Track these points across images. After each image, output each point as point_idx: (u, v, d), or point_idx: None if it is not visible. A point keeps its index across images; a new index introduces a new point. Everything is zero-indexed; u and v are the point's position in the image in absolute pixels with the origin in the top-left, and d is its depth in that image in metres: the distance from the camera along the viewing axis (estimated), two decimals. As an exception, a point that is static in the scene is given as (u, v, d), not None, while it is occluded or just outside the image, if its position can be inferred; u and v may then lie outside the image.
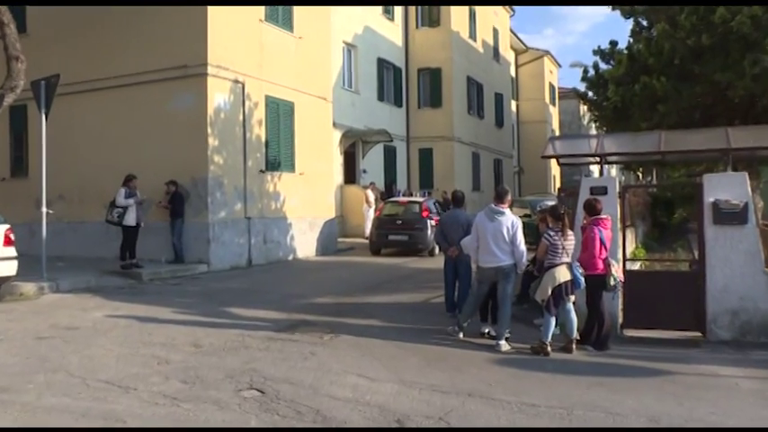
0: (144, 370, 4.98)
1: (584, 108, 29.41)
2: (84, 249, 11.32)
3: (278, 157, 13.07)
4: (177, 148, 11.19)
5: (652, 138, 7.42)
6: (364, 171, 20.11)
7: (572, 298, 5.96)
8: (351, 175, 19.93)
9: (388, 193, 19.17)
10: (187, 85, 11.03)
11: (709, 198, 6.12)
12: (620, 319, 6.55)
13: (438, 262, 10.71)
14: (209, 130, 11.10)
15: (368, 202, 17.49)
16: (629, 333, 6.47)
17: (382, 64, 21.12)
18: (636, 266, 9.74)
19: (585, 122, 30.69)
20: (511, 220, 5.94)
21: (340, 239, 16.63)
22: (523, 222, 6.69)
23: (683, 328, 6.37)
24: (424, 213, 14.31)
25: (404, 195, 17.94)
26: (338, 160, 18.56)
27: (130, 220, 9.95)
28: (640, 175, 25.82)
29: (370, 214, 17.07)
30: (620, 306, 6.56)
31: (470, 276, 6.93)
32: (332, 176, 15.40)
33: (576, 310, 6.03)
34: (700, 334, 6.29)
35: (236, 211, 11.79)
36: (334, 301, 8.24)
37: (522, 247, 5.96)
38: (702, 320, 6.26)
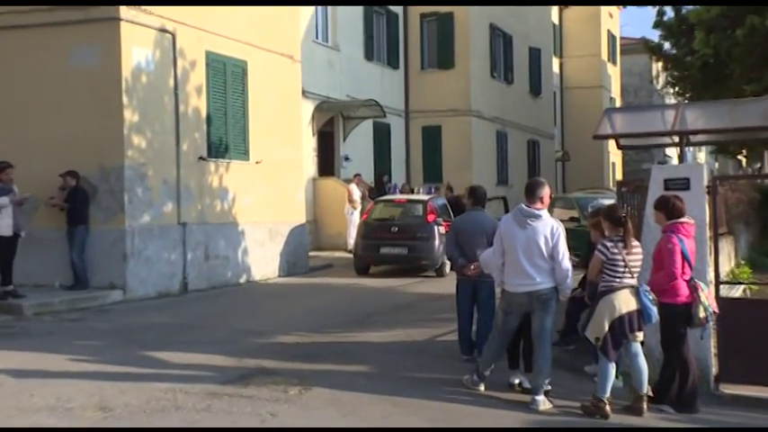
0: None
1: (657, 66, 29.34)
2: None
3: (225, 139, 13.13)
4: (78, 124, 10.98)
5: (760, 106, 7.38)
6: (346, 158, 20.29)
7: (640, 336, 5.90)
8: (328, 164, 20.08)
9: (379, 188, 19.31)
10: (91, 34, 10.77)
11: None
12: (714, 369, 6.35)
13: (449, 285, 10.75)
14: (124, 100, 11.00)
15: (351, 201, 17.59)
16: (727, 389, 6.25)
17: (371, 8, 21.24)
18: (736, 292, 9.68)
19: (659, 87, 30.72)
20: (550, 227, 5.92)
21: (313, 253, 16.82)
22: (569, 229, 6.73)
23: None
24: (430, 217, 14.42)
25: (401, 192, 18.02)
26: (310, 143, 18.72)
27: (2, 227, 9.33)
28: (743, 161, 25.23)
29: (355, 218, 17.23)
30: (714, 349, 6.38)
31: (494, 305, 6.99)
32: (301, 166, 15.52)
33: (646, 354, 5.96)
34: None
35: (166, 215, 11.81)
36: (305, 340, 8.40)
37: (567, 263, 5.92)
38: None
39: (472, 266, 7.10)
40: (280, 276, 14.17)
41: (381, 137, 22.04)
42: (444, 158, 23.32)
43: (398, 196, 16.20)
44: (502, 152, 25.61)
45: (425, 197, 15.39)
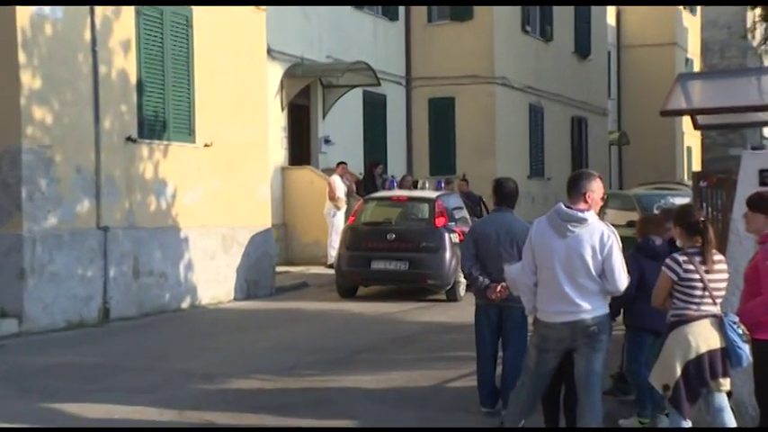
0: None
1: (754, 14, 28.89)
2: None
3: (162, 114, 13.18)
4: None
5: None
6: (327, 141, 20.42)
7: (726, 384, 5.87)
8: (302, 148, 20.18)
9: (370, 182, 19.34)
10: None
11: None
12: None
13: (465, 312, 10.68)
14: (21, 58, 11.05)
15: (334, 198, 17.69)
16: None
17: (361, -62, 21.79)
18: None
19: (756, 43, 30.35)
20: (600, 234, 5.86)
21: (281, 269, 16.88)
22: (626, 238, 6.61)
23: None
24: (440, 220, 14.52)
25: (400, 187, 18.01)
26: (278, 121, 18.85)
27: None
28: None
29: (339, 221, 17.31)
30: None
31: (525, 340, 7.07)
32: (265, 151, 15.62)
33: (734, 409, 5.98)
34: None
35: (80, 216, 11.83)
36: (270, 386, 8.48)
37: (624, 280, 5.94)
38: None
39: (498, 287, 7.15)
40: (236, 300, 14.20)
41: (374, 112, 22.09)
42: (459, 142, 23.39)
43: (397, 192, 16.21)
44: (536, 134, 25.73)
45: (433, 194, 15.43)
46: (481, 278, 7.28)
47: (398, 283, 14.69)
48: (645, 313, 6.62)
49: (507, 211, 7.41)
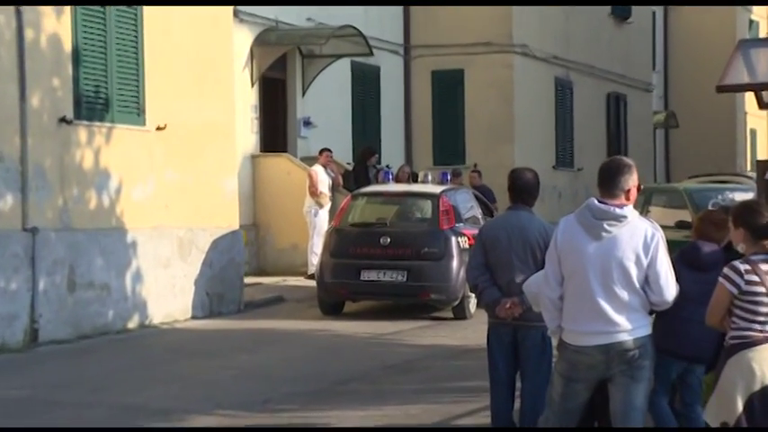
0: None
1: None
2: None
3: (105, 90, 13.19)
4: None
5: None
6: (307, 123, 20.42)
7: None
8: (277, 132, 20.24)
9: (361, 173, 19.38)
10: None
11: None
12: None
13: (476, 333, 10.74)
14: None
15: (315, 193, 17.72)
16: None
17: None
18: None
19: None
20: (643, 234, 5.82)
21: (252, 280, 16.92)
22: (673, 242, 6.64)
23: None
24: (445, 220, 14.59)
25: (397, 180, 17.98)
26: (247, 99, 18.86)
27: None
28: None
29: (322, 221, 17.38)
30: None
31: (549, 366, 7.15)
32: (232, 135, 15.64)
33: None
34: None
35: (2, 215, 11.82)
36: (237, 423, 8.51)
37: (673, 289, 5.93)
38: None
39: (508, 303, 7.15)
40: (195, 318, 14.23)
41: (366, 88, 22.09)
42: (469, 124, 23.43)
43: (392, 187, 16.23)
44: (564, 114, 25.78)
45: (436, 188, 15.41)
46: (488, 291, 7.29)
47: (394, 297, 14.72)
48: (670, 332, 6.58)
49: (523, 210, 7.41)
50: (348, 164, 20.05)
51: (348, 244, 14.52)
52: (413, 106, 23.69)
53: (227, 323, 14.04)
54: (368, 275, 14.31)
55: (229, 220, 15.15)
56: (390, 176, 17.25)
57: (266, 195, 18.69)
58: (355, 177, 18.97)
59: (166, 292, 13.88)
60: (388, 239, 14.33)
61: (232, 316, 14.59)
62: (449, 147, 23.33)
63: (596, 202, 5.96)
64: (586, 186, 23.62)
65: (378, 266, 14.29)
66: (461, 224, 14.64)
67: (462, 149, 23.14)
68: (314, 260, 16.47)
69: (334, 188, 17.95)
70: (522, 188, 7.41)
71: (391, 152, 22.38)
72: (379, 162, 20.34)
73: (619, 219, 5.88)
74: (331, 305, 14.77)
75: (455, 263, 14.08)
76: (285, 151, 19.51)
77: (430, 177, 16.46)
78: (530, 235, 7.20)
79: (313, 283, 15.74)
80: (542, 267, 6.46)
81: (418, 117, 23.70)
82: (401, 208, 15.18)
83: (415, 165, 21.71)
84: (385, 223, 14.77)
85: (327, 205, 17.54)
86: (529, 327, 7.15)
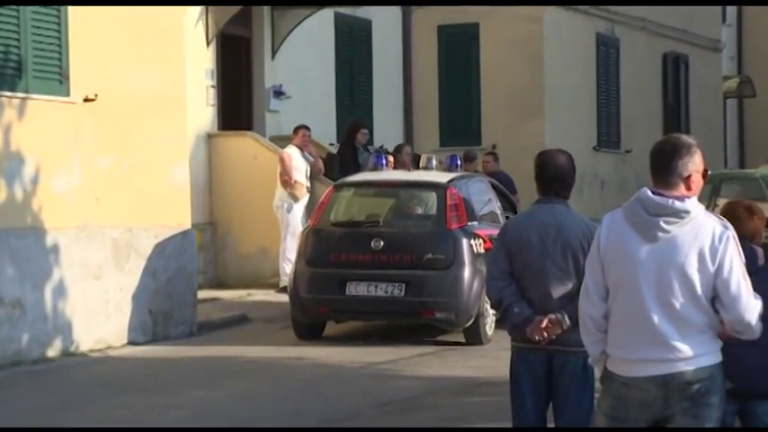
0: None
1: None
2: None
3: (15, 52, 13.17)
4: None
5: None
6: (279, 93, 20.45)
7: None
8: (239, 104, 20.35)
9: (347, 157, 19.40)
10: None
11: None
12: None
13: (495, 361, 10.81)
14: None
15: (289, 183, 17.80)
16: None
17: None
18: None
19: None
20: (710, 233, 5.73)
21: (207, 294, 16.93)
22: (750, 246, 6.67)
23: None
24: (455, 218, 14.59)
25: (394, 164, 17.91)
26: (202, 62, 18.86)
27: None
28: None
29: (296, 219, 17.47)
30: None
31: (590, 403, 7.19)
32: (183, 109, 15.64)
33: None
34: None
35: None
36: None
37: (752, 304, 5.88)
38: None
39: (544, 322, 7.13)
40: (134, 343, 14.21)
41: (354, 48, 22.12)
42: (486, 93, 23.46)
43: (387, 174, 16.15)
44: (608, 81, 25.81)
45: (444, 176, 15.41)
46: (517, 308, 7.24)
47: (389, 317, 14.75)
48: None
49: (557, 203, 7.39)
50: (331, 145, 20.05)
51: (330, 249, 14.52)
52: (414, 71, 23.71)
53: (175, 350, 14.00)
54: (355, 289, 14.29)
55: (179, 217, 15.13)
56: (385, 161, 17.10)
57: (226, 186, 18.70)
58: (340, 162, 18.97)
59: (97, 311, 13.83)
60: (381, 242, 14.29)
61: (182, 340, 14.57)
62: (460, 123, 23.46)
63: (650, 193, 5.91)
64: (636, 173, 23.65)
65: (368, 277, 14.27)
66: (475, 223, 14.63)
67: (477, 127, 23.22)
68: (287, 269, 16.44)
69: (312, 176, 17.94)
70: (554, 176, 7.38)
71: (386, 130, 22.40)
72: (370, 142, 20.33)
73: (679, 214, 5.83)
74: (308, 327, 14.74)
75: (467, 272, 14.08)
76: (250, 129, 19.54)
77: (435, 162, 16.36)
78: (570, 235, 7.21)
79: (286, 298, 15.58)
80: (582, 276, 6.41)
81: (421, 85, 23.73)
82: (398, 202, 15.18)
83: (416, 146, 21.65)
84: (377, 222, 14.75)
85: (304, 198, 17.55)
86: (568, 352, 7.16)
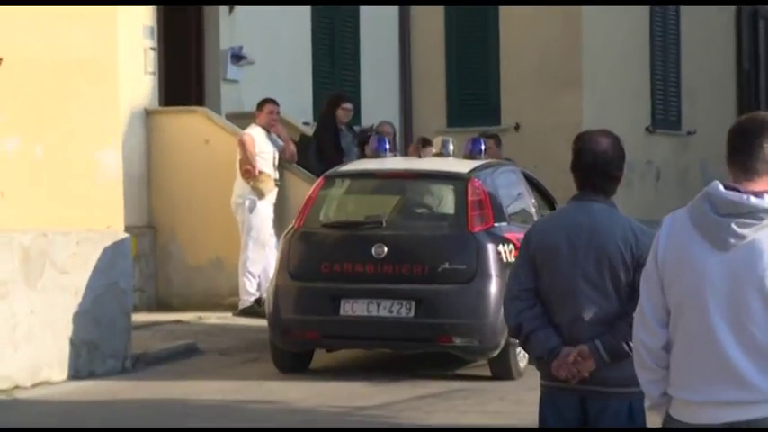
0: None
1: None
2: None
3: None
4: None
5: None
6: (239, 57, 20.66)
7: None
8: (187, 73, 20.56)
9: (326, 140, 19.45)
10: None
11: None
12: None
13: (527, 404, 10.82)
14: None
15: (251, 173, 17.93)
16: None
17: None
18: None
19: None
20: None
21: (146, 318, 17.11)
22: None
23: None
24: (478, 218, 14.70)
25: (391, 149, 17.95)
26: (138, 19, 18.92)
27: None
28: None
29: (261, 220, 17.69)
30: None
31: None
32: (111, 78, 15.62)
33: None
34: None
35: None
36: None
37: None
38: None
39: (572, 355, 7.12)
40: (48, 382, 14.16)
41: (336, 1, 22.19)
42: (507, 59, 23.60)
43: (391, 163, 16.34)
44: (665, 43, 26.02)
45: (464, 165, 15.55)
46: (540, 335, 7.27)
47: (395, 343, 14.87)
48: None
49: (596, 200, 7.36)
50: (306, 124, 20.20)
51: (320, 257, 14.66)
52: (414, 31, 23.89)
53: (104, 390, 14.00)
54: (351, 308, 14.43)
55: (108, 218, 15.07)
56: (388, 145, 17.15)
57: (170, 178, 18.76)
58: (318, 147, 19.10)
59: (2, 340, 13.81)
60: (385, 249, 14.39)
61: (113, 378, 14.55)
62: (473, 97, 23.72)
63: (721, 187, 5.84)
64: (702, 160, 23.84)
65: (368, 293, 14.41)
66: (504, 224, 14.69)
67: (495, 101, 23.43)
68: (249, 285, 16.63)
69: (281, 165, 18.08)
70: (593, 165, 7.30)
71: (377, 106, 22.55)
72: (356, 122, 20.52)
73: (756, 214, 5.76)
74: (291, 357, 14.87)
75: (493, 287, 14.13)
76: (201, 104, 19.64)
77: (452, 147, 16.42)
78: (607, 242, 7.15)
79: (248, 322, 15.80)
80: (631, 296, 6.51)
81: (422, 49, 23.96)
82: (406, 198, 15.40)
83: (416, 127, 21.73)
84: (380, 222, 14.86)
85: (272, 194, 17.71)
86: (607, 395, 7.14)
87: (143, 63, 18.81)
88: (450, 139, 16.50)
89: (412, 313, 14.26)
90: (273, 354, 14.84)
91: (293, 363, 14.80)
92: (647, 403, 6.25)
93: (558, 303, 7.24)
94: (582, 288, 7.15)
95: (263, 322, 15.05)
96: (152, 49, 19.04)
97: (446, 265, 14.21)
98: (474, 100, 23.51)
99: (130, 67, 17.74)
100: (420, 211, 15.25)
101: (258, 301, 17.50)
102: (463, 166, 15.40)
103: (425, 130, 21.40)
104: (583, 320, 7.07)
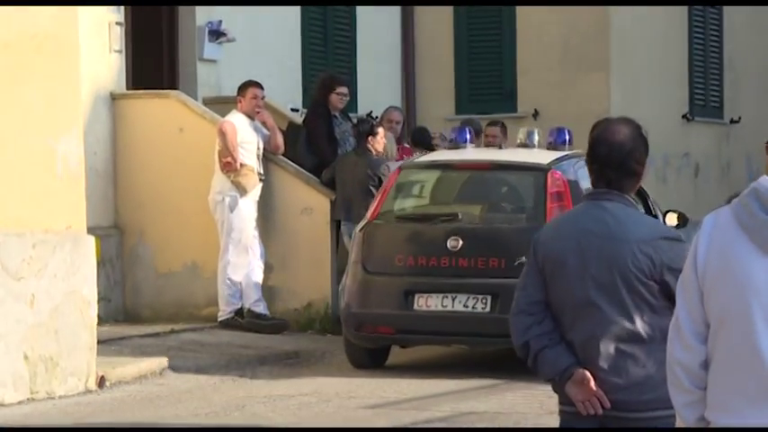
0: None
1: None
2: None
3: None
4: None
5: None
6: (218, 34, 20.63)
7: None
8: (158, 52, 20.65)
9: (317, 128, 19.44)
10: None
11: None
12: None
13: None
14: None
15: (231, 166, 17.93)
16: None
17: None
18: None
19: None
20: None
21: (111, 331, 17.14)
22: None
23: None
24: (557, 211, 14.82)
25: (473, 140, 18.11)
26: None
27: None
28: None
29: (243, 219, 17.72)
30: None
31: None
32: (72, 56, 15.63)
33: None
34: None
35: None
36: None
37: None
38: None
39: (585, 377, 7.09)
40: (3, 405, 14.12)
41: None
42: (524, 37, 23.72)
43: (469, 153, 16.74)
44: (704, 20, 26.04)
45: (544, 156, 15.98)
46: (550, 354, 7.25)
47: (472, 339, 15.31)
48: None
49: (611, 198, 7.30)
50: (295, 111, 20.26)
51: (394, 250, 15.25)
52: (418, 7, 23.90)
53: (65, 412, 13.97)
54: (426, 303, 14.99)
55: (68, 217, 15.05)
56: (469, 136, 17.39)
57: (139, 171, 18.79)
58: (308, 136, 19.16)
59: None
60: (461, 242, 14.92)
61: (74, 400, 14.54)
62: (486, 81, 23.88)
63: (768, 183, 5.84)
64: (747, 153, 23.82)
65: (443, 287, 14.93)
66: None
67: (511, 85, 23.52)
68: (229, 294, 16.69)
69: (267, 157, 18.13)
70: (607, 157, 7.22)
71: (376, 90, 22.68)
72: (352, 108, 20.54)
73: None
74: (367, 353, 15.44)
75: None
76: (175, 88, 19.68)
77: (537, 138, 16.65)
78: (623, 248, 7.08)
79: (228, 336, 15.87)
80: (653, 310, 6.63)
81: (428, 26, 24.03)
82: (483, 190, 15.86)
83: (420, 113, 21.72)
84: (456, 215, 15.36)
85: (255, 189, 17.77)
86: (631, 419, 7.11)
87: (108, 40, 18.78)
88: (536, 130, 17.15)
89: (488, 308, 14.87)
90: (347, 350, 15.53)
91: (369, 359, 15.37)
92: (678, 424, 6.24)
93: (570, 318, 7.21)
94: (595, 301, 7.09)
95: (245, 336, 15.20)
96: (118, 23, 19.00)
97: (523, 259, 14.32)
98: (486, 84, 23.66)
99: (93, 44, 17.81)
100: (497, 202, 15.78)
101: (240, 313, 17.56)
102: (543, 157, 15.96)
103: (431, 117, 21.44)
104: (598, 338, 7.02)
